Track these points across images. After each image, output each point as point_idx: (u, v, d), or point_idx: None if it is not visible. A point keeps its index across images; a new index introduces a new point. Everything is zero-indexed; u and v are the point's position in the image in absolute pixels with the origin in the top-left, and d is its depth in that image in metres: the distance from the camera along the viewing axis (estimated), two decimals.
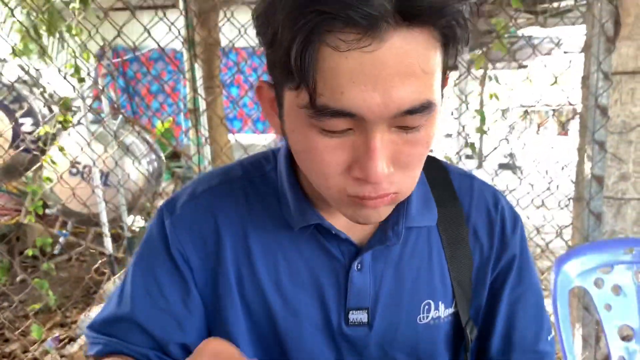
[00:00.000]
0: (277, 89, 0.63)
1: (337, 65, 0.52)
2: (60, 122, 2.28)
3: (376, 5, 0.49)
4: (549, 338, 0.85)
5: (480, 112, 2.25)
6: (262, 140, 4.68)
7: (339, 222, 0.75)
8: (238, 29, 2.07)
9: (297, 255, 0.76)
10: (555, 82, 2.21)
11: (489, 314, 0.83)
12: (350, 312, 0.76)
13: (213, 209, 0.77)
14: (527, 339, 0.83)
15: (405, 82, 0.53)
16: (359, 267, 0.75)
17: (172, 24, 2.09)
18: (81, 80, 2.19)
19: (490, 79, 2.28)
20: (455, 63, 0.62)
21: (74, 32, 2.08)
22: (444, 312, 0.80)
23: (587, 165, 2.07)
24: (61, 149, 2.20)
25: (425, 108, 0.56)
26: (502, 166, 8.25)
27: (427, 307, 0.79)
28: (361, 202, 0.62)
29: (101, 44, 2.63)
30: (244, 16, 2.14)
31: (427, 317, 0.79)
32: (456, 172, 0.85)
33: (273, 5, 0.54)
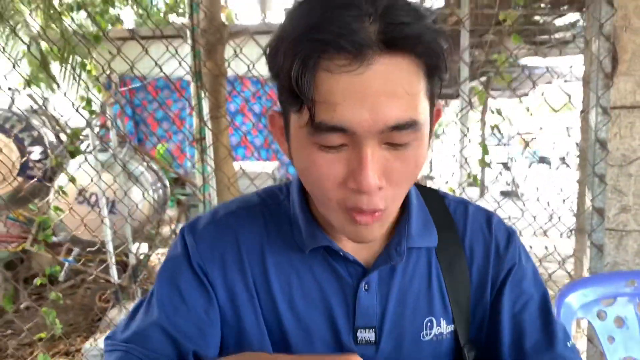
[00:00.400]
0: (285, 115, 0.71)
1: (330, 86, 0.60)
2: (70, 152, 2.32)
3: (362, 36, 0.59)
4: (569, 344, 0.84)
5: (483, 145, 2.29)
6: (266, 167, 4.73)
7: (347, 245, 0.80)
8: (247, 66, 2.12)
9: (309, 276, 0.81)
10: (557, 111, 2.25)
11: (494, 326, 0.85)
12: (359, 330, 0.80)
13: (234, 229, 0.83)
14: (540, 344, 0.83)
15: (389, 101, 0.61)
16: (366, 288, 0.80)
17: (183, 59, 2.15)
18: (92, 112, 2.24)
19: (493, 112, 2.32)
20: (440, 92, 0.70)
21: (87, 67, 2.13)
22: (445, 328, 0.84)
23: (588, 198, 2.11)
24: (72, 180, 2.23)
25: (410, 125, 0.63)
26: (504, 194, 8.26)
27: (429, 323, 0.83)
28: (355, 219, 0.68)
29: (112, 74, 2.69)
30: (250, 48, 2.20)
31: (430, 333, 0.83)
32: (451, 199, 0.92)
33: (280, 40, 0.64)
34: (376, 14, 0.60)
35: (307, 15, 0.62)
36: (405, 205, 0.83)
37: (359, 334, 0.80)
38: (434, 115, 0.73)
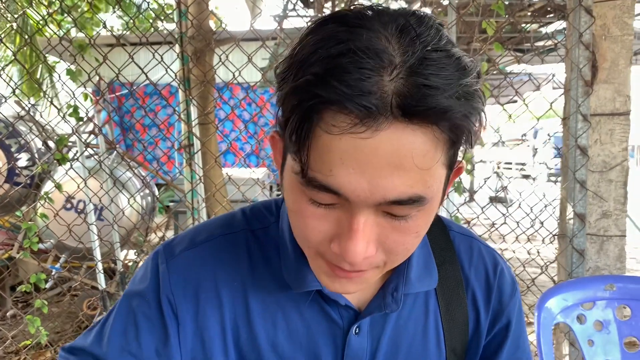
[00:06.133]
0: (284, 144, 0.62)
1: (329, 144, 0.52)
2: (57, 160, 2.32)
3: (375, 98, 0.49)
4: None
5: (467, 155, 2.31)
6: (255, 174, 4.74)
7: None
8: (233, 73, 2.14)
9: (296, 316, 0.75)
10: (543, 116, 2.29)
11: None
12: None
13: (213, 262, 0.76)
14: None
15: (394, 173, 0.52)
16: (356, 332, 0.75)
17: (169, 67, 2.16)
18: (79, 119, 2.24)
19: None
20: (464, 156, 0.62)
21: (74, 76, 2.14)
22: None
23: (570, 204, 2.14)
24: (59, 187, 2.23)
25: (413, 201, 0.54)
26: (493, 199, 8.29)
27: None
28: (333, 272, 0.62)
29: (100, 81, 2.70)
30: (239, 55, 2.21)
31: None
32: (456, 231, 0.85)
33: (289, 69, 0.55)
34: (401, 68, 0.50)
35: (318, 54, 0.52)
36: None
37: None
38: (454, 173, 0.64)
